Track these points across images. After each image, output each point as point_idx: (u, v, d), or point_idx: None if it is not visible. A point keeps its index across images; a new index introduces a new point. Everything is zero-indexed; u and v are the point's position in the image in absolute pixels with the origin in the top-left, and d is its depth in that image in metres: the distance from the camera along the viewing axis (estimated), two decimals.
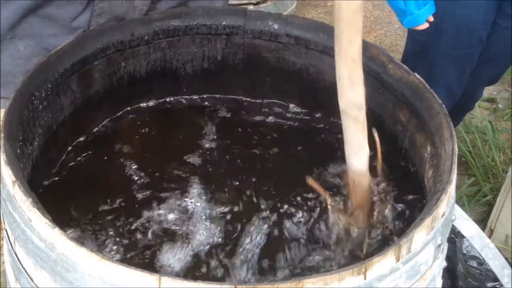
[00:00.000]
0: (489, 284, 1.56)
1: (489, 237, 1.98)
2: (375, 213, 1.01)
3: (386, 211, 1.01)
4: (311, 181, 1.01)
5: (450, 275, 1.59)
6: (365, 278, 0.74)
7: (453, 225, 1.30)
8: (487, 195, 2.20)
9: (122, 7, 1.13)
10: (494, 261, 1.26)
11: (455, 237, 1.55)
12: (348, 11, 0.88)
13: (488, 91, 2.77)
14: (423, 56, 1.86)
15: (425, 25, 1.67)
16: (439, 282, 0.92)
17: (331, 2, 3.40)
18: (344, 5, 0.88)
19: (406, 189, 1.06)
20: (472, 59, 1.86)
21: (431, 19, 1.68)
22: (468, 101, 2.11)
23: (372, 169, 1.02)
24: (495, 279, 1.40)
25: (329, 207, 1.00)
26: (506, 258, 1.38)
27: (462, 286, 1.55)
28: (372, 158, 1.01)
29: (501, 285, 1.35)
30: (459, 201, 2.18)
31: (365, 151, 0.97)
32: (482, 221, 2.11)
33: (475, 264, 1.60)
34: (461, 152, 2.34)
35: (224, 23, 1.17)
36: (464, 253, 1.60)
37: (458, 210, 1.21)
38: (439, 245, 0.84)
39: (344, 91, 0.93)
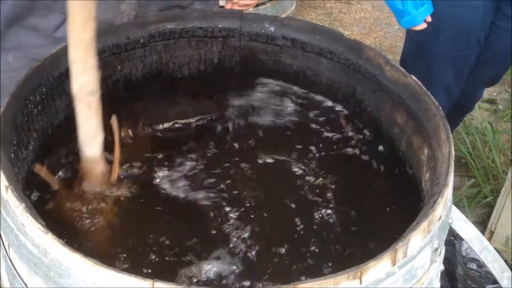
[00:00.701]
0: (489, 287, 1.56)
1: (490, 239, 1.97)
2: None
3: None
4: (37, 168, 0.99)
5: (450, 278, 1.58)
6: (360, 283, 0.73)
7: (452, 228, 1.29)
8: (487, 197, 2.19)
9: (107, 13, 1.13)
10: (494, 263, 1.25)
11: (454, 240, 1.55)
12: None
13: (488, 92, 2.77)
14: (421, 56, 1.86)
15: (422, 25, 1.67)
16: (437, 285, 0.91)
17: (331, 4, 3.39)
18: None
19: (404, 192, 1.06)
20: (470, 60, 1.85)
21: (429, 19, 1.68)
22: (468, 102, 2.10)
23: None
24: (495, 281, 1.39)
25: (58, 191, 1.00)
26: (506, 261, 1.38)
27: None
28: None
29: (501, 287, 1.35)
30: (459, 203, 2.17)
31: (98, 139, 0.97)
32: (483, 223, 2.10)
33: (474, 267, 1.59)
34: (461, 154, 2.34)
35: (220, 25, 1.16)
36: (464, 255, 1.59)
37: (457, 212, 1.21)
38: (436, 249, 0.83)
39: (77, 75, 0.92)
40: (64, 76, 1.03)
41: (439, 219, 0.82)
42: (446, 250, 1.54)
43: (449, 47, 1.81)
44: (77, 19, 0.88)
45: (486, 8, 1.75)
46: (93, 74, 0.92)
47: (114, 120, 1.04)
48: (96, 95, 0.94)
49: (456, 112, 2.07)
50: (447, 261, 1.58)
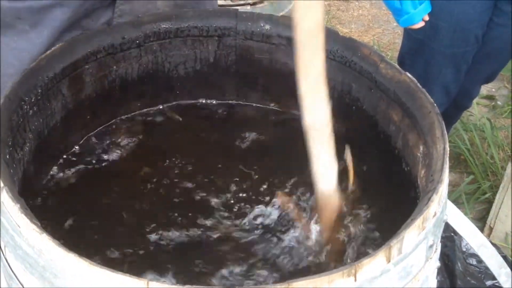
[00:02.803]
0: (489, 283, 1.55)
1: (489, 235, 1.97)
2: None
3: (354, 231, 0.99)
4: (280, 196, 0.99)
5: (449, 275, 1.58)
6: (355, 280, 0.73)
7: (450, 224, 1.29)
8: (486, 193, 2.19)
9: (143, 8, 1.14)
10: (491, 259, 1.25)
11: (454, 235, 1.55)
12: (309, 28, 0.87)
13: (487, 88, 2.77)
14: (419, 54, 1.86)
15: (420, 24, 1.67)
16: (433, 282, 0.91)
17: (329, 2, 3.39)
18: (304, 23, 0.87)
19: (401, 190, 1.06)
20: (468, 57, 1.86)
21: (427, 17, 1.68)
22: (465, 99, 2.11)
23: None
24: (495, 277, 1.39)
25: (298, 224, 0.98)
26: (504, 256, 1.38)
27: (461, 285, 1.54)
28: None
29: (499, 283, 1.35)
30: (458, 199, 2.17)
31: (333, 171, 0.94)
32: (482, 219, 2.11)
33: (474, 262, 1.59)
34: (460, 150, 2.34)
35: (215, 24, 1.16)
36: (464, 250, 1.59)
37: (453, 208, 1.21)
38: (431, 246, 0.83)
39: (311, 108, 0.90)
40: (59, 77, 1.03)
41: (433, 216, 0.82)
42: (446, 246, 1.55)
43: (447, 45, 1.81)
44: (306, 52, 0.87)
45: (484, 5, 1.75)
46: (327, 106, 0.90)
47: (348, 152, 1.01)
48: (329, 125, 0.91)
49: (453, 109, 2.07)
50: (447, 257, 1.58)
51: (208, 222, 1.02)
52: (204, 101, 1.25)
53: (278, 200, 1.01)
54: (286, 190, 1.05)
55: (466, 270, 1.57)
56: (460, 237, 1.46)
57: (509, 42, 1.84)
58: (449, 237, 1.58)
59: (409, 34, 1.91)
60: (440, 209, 0.84)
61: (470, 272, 1.57)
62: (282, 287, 0.70)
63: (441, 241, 0.90)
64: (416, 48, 1.89)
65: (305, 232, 0.97)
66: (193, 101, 1.25)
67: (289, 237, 0.97)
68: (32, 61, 1.09)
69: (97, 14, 1.14)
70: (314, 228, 0.97)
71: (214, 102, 1.25)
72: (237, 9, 1.18)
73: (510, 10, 1.76)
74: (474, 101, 2.55)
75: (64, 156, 1.11)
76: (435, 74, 1.86)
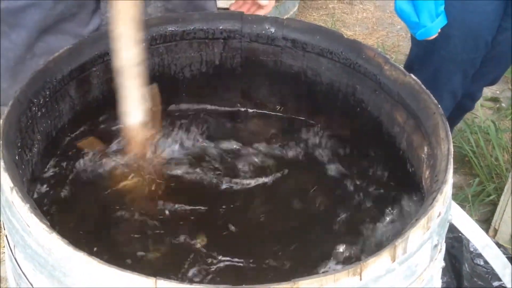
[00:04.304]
0: (495, 283, 1.55)
1: (494, 237, 1.97)
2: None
3: None
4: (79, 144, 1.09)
5: (456, 275, 1.58)
6: (360, 279, 0.74)
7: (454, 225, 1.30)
8: (491, 195, 2.19)
9: None
10: (496, 260, 1.25)
11: (462, 235, 1.54)
12: None
13: (491, 91, 2.77)
14: (428, 61, 1.86)
15: (435, 35, 1.67)
16: (438, 282, 0.92)
17: (333, 5, 3.40)
18: None
19: (405, 190, 1.07)
20: (477, 62, 1.86)
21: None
22: (468, 101, 2.11)
23: None
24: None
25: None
26: (509, 257, 1.38)
27: (468, 286, 1.54)
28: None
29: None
30: (464, 201, 2.17)
31: (142, 107, 1.05)
32: (487, 221, 2.11)
33: (481, 262, 1.59)
34: (465, 152, 2.34)
35: (221, 27, 1.17)
36: (471, 251, 1.59)
37: (458, 209, 1.21)
38: (436, 245, 0.84)
39: (123, 50, 1.00)
40: (67, 79, 1.04)
41: (438, 216, 0.83)
42: (453, 247, 1.55)
43: (458, 52, 1.80)
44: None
45: (497, 12, 1.75)
46: (138, 48, 1.00)
47: (154, 87, 1.11)
48: (141, 66, 1.01)
49: (456, 111, 2.07)
50: (454, 258, 1.58)
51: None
52: (208, 103, 1.26)
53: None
54: None
55: (473, 271, 1.57)
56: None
57: None
58: (457, 238, 1.59)
59: (418, 41, 1.91)
60: (445, 209, 0.85)
61: (477, 273, 1.57)
62: (287, 286, 0.71)
63: (448, 242, 0.91)
64: (425, 55, 1.88)
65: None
66: (197, 103, 1.26)
67: None
68: (17, 60, 1.12)
69: (81, 19, 1.15)
70: None
71: (219, 104, 1.26)
72: (242, 12, 1.19)
73: None
74: (479, 103, 2.55)
75: (72, 157, 1.12)
76: (444, 80, 1.85)
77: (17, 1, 1.12)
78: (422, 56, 1.89)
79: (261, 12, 1.24)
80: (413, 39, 1.95)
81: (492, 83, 2.09)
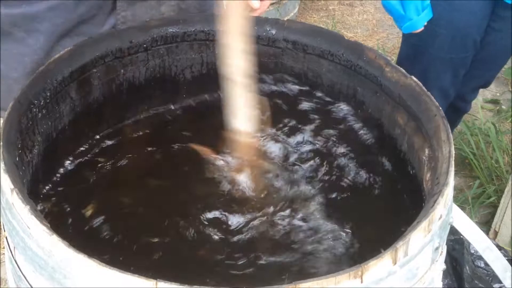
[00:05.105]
0: (496, 285, 1.55)
1: (494, 239, 1.97)
2: None
3: None
4: (193, 146, 1.12)
5: (457, 278, 1.58)
6: (361, 282, 0.74)
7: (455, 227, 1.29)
8: (491, 197, 2.19)
9: (146, 14, 1.15)
10: (496, 262, 1.25)
11: (462, 238, 1.54)
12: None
13: (491, 93, 2.77)
14: (417, 59, 1.88)
15: (421, 29, 1.69)
16: (439, 284, 0.92)
17: (333, 6, 3.40)
18: None
19: (406, 192, 1.07)
20: (466, 62, 1.87)
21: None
22: (462, 103, 2.11)
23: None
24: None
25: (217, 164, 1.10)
26: (510, 260, 1.38)
27: None
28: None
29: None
30: (464, 203, 2.17)
31: (249, 115, 1.08)
32: (487, 223, 2.11)
33: (482, 264, 1.59)
34: (465, 154, 2.34)
35: (221, 28, 1.17)
36: (472, 253, 1.59)
37: (458, 212, 1.21)
38: (437, 248, 0.84)
39: (234, 59, 1.04)
40: (68, 80, 1.04)
41: (439, 218, 0.82)
42: (454, 249, 1.55)
43: (446, 51, 1.82)
44: (235, 15, 1.03)
45: (484, 11, 1.76)
46: (250, 58, 1.05)
47: (265, 99, 1.15)
48: (250, 76, 1.06)
49: (452, 114, 2.08)
50: (455, 260, 1.58)
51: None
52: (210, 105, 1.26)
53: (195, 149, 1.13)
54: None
55: (474, 273, 1.57)
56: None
57: (505, 47, 1.85)
58: (458, 240, 1.58)
59: (407, 39, 1.92)
60: (446, 212, 0.84)
61: (478, 275, 1.57)
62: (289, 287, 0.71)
63: (449, 244, 0.91)
64: (414, 54, 1.89)
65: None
66: (198, 105, 1.26)
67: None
68: (34, 65, 1.11)
69: (98, 20, 1.15)
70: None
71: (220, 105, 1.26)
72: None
73: (507, 16, 1.77)
74: (479, 105, 2.56)
75: (72, 159, 1.12)
76: (433, 79, 1.86)
77: (37, 5, 1.10)
78: (412, 55, 1.90)
79: (254, 15, 1.24)
80: (403, 39, 1.96)
81: (485, 85, 2.10)
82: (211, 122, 1.18)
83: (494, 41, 1.83)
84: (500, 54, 1.89)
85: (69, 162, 1.11)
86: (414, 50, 1.88)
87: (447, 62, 1.84)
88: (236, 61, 1.05)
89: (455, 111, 2.11)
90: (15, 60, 1.15)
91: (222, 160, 1.10)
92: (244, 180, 1.08)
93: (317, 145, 1.18)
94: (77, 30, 1.15)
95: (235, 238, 1.00)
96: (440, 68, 1.85)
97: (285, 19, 1.31)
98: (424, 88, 1.01)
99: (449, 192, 0.86)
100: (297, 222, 1.03)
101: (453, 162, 0.88)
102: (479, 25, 1.78)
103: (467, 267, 1.57)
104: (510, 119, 2.62)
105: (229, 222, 1.02)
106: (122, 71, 1.14)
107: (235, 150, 1.11)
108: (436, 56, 1.83)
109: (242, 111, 1.08)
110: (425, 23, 1.69)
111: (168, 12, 1.17)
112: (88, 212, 1.02)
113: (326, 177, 1.13)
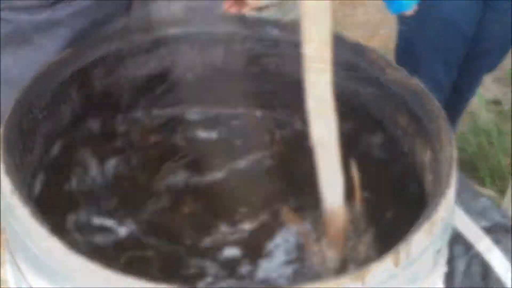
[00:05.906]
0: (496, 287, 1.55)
1: None
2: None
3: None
4: (286, 213, 0.99)
5: (456, 278, 1.58)
6: (363, 284, 0.73)
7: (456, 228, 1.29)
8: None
9: (158, 13, 1.15)
10: (498, 263, 1.25)
11: (463, 238, 1.54)
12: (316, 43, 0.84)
13: (493, 93, 2.77)
14: (409, 52, 1.92)
15: (410, 12, 1.72)
16: (441, 287, 0.91)
17: (335, 7, 3.39)
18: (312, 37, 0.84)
19: (408, 194, 1.06)
20: (458, 53, 1.91)
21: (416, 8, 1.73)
22: (468, 90, 2.14)
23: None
24: (497, 281, 1.39)
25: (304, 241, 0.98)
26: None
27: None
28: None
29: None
30: None
31: (339, 185, 0.90)
32: None
33: (482, 265, 1.59)
34: (467, 155, 2.34)
35: (223, 30, 1.17)
36: (473, 253, 1.58)
37: (460, 213, 1.21)
38: (439, 250, 0.84)
39: (318, 124, 0.89)
40: (68, 82, 1.04)
41: (441, 221, 0.82)
42: (454, 249, 1.54)
43: (436, 42, 1.87)
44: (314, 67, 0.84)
45: (471, 5, 1.80)
46: (332, 122, 0.87)
47: (354, 169, 0.99)
48: (336, 139, 0.89)
49: (456, 105, 2.10)
50: (455, 260, 1.57)
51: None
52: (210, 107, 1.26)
53: (284, 217, 1.01)
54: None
55: (474, 274, 1.56)
56: (464, 239, 1.45)
57: (505, 37, 1.88)
58: (458, 240, 1.58)
59: (400, 34, 1.96)
60: (448, 214, 0.84)
61: (478, 275, 1.57)
62: None
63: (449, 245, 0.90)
64: (406, 47, 1.94)
65: (311, 248, 0.97)
66: (199, 106, 1.25)
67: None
68: None
69: (114, 22, 1.15)
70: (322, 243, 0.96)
71: (220, 107, 1.26)
72: (244, 15, 1.19)
73: (501, 7, 1.80)
74: (482, 105, 2.56)
75: (73, 160, 1.11)
76: (426, 71, 1.90)
77: (61, 11, 1.09)
78: (404, 49, 1.94)
79: (245, 9, 1.21)
80: (397, 33, 1.99)
81: (490, 71, 2.13)
82: None
83: (491, 32, 1.87)
84: (500, 44, 1.93)
85: (70, 163, 1.11)
86: (405, 43, 1.93)
87: (438, 53, 1.88)
88: (323, 126, 0.86)
89: (461, 102, 2.14)
90: (29, 64, 1.13)
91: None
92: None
93: None
94: (93, 31, 1.14)
95: None
96: (432, 60, 1.91)
97: (287, 19, 1.31)
98: (426, 89, 1.01)
99: (451, 194, 0.85)
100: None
101: (455, 164, 0.88)
102: (467, 17, 1.82)
103: (467, 268, 1.57)
104: None
105: None
106: (123, 72, 1.14)
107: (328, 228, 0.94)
108: (426, 46, 1.88)
109: (332, 181, 0.88)
110: (415, 6, 1.71)
111: (178, 12, 1.17)
112: (90, 214, 1.02)
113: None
